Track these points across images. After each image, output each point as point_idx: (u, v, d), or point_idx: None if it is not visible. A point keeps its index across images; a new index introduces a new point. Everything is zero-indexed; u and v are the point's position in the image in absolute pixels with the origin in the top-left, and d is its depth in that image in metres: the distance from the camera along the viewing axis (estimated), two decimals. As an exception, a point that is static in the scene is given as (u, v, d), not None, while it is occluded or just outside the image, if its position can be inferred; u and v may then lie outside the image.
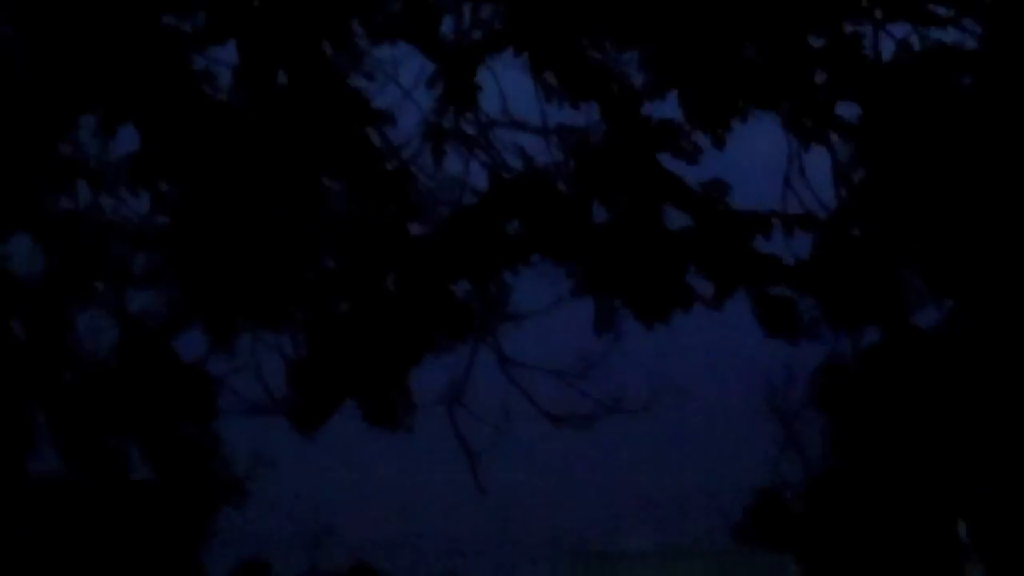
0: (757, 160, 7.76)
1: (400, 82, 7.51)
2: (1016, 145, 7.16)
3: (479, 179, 7.90)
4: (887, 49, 7.55)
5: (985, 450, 7.42)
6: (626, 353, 7.71)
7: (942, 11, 7.26)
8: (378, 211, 7.67)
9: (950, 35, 7.27)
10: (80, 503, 7.71)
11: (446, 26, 7.62)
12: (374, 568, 38.77)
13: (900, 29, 7.36)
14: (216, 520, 31.86)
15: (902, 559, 8.35)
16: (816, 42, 7.49)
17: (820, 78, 7.59)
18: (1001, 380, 7.21)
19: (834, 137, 7.65)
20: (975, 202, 7.15)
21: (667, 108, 7.44)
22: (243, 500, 7.46)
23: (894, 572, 8.46)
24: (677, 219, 7.24)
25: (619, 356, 7.65)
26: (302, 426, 7.54)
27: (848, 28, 7.34)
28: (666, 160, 7.46)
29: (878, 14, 7.37)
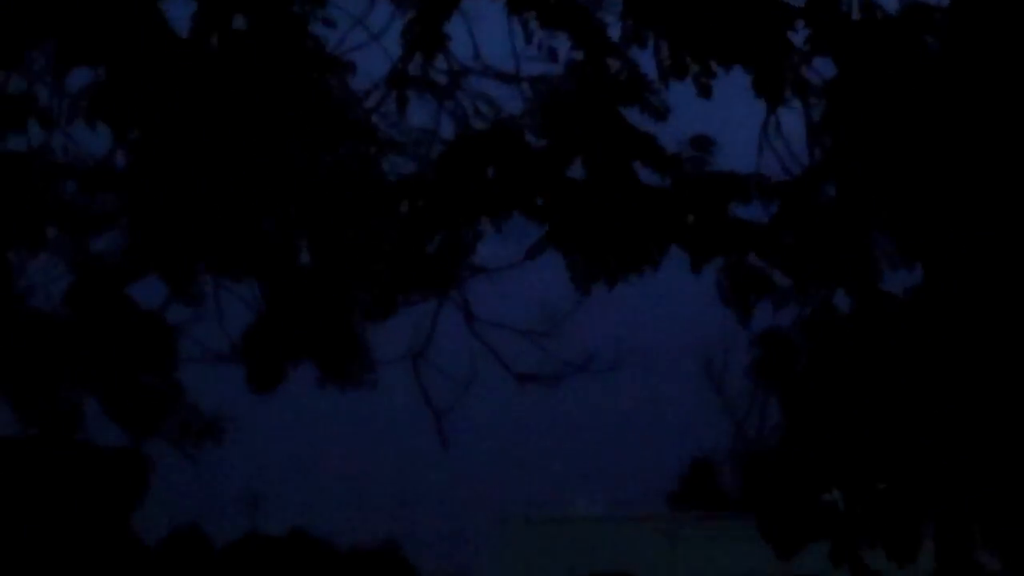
0: (732, 121, 7.58)
1: (370, 27, 7.23)
2: (993, 107, 7.03)
3: (448, 131, 7.65)
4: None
5: (953, 419, 7.28)
6: (589, 313, 7.52)
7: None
8: (337, 160, 7.41)
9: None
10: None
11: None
12: (310, 533, 38.59)
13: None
14: (148, 484, 31.14)
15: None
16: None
17: (795, 36, 7.43)
18: (973, 348, 7.08)
19: (810, 97, 7.47)
20: (950, 163, 7.01)
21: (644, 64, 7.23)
22: (199, 455, 7.16)
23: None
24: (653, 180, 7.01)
25: (583, 315, 7.45)
26: (257, 384, 7.24)
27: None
28: (636, 117, 7.25)
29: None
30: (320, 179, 7.33)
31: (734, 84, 7.34)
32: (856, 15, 7.39)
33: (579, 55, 7.09)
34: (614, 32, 7.23)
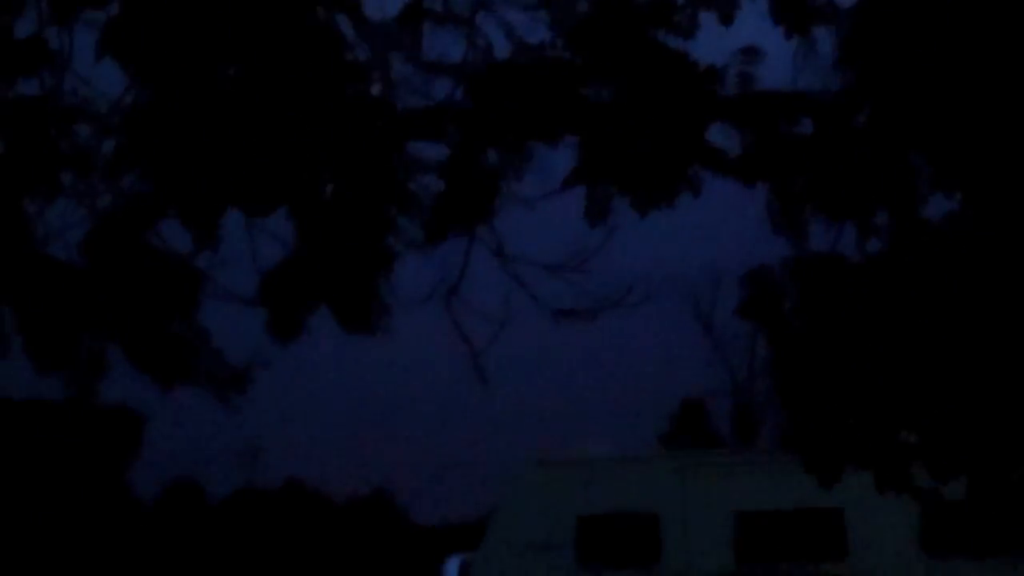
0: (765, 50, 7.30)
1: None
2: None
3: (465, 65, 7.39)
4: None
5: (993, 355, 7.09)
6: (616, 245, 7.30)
7: None
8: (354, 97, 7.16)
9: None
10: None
11: None
12: (306, 485, 38.17)
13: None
14: (142, 441, 30.98)
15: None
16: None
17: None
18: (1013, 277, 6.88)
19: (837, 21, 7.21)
20: (987, 81, 6.77)
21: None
22: (242, 395, 6.90)
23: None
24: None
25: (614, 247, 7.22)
26: (278, 332, 7.01)
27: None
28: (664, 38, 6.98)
29: None
30: (341, 114, 7.08)
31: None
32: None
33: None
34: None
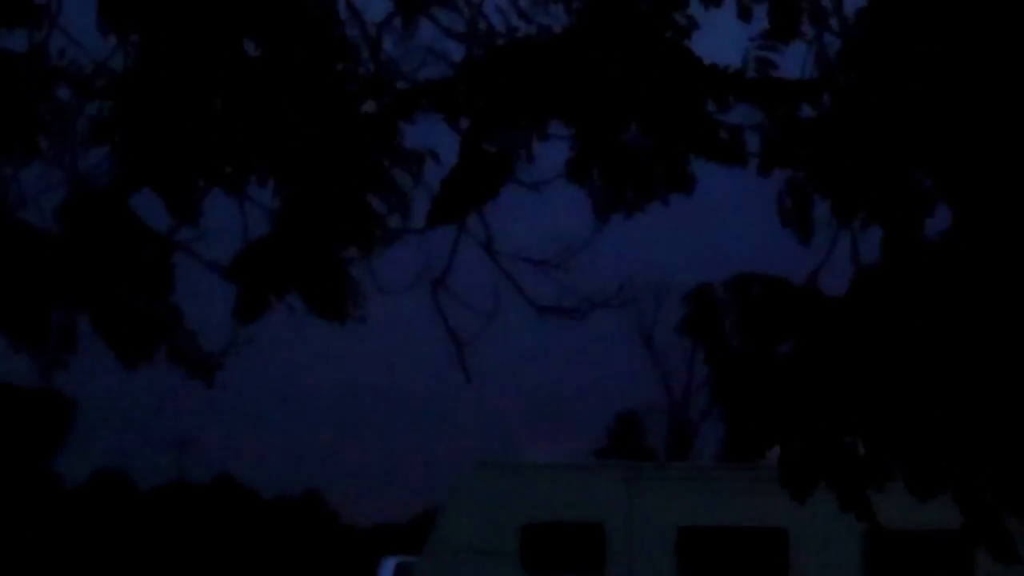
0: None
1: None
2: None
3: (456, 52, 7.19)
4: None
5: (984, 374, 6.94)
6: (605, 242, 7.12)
7: None
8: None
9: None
10: None
11: None
12: (237, 479, 37.66)
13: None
14: (69, 427, 30.49)
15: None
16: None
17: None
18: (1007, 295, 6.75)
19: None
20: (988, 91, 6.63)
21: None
22: (213, 379, 6.62)
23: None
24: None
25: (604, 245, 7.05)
26: (242, 314, 6.75)
27: None
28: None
29: None
30: (328, 94, 6.85)
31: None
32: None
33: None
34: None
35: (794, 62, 6.38)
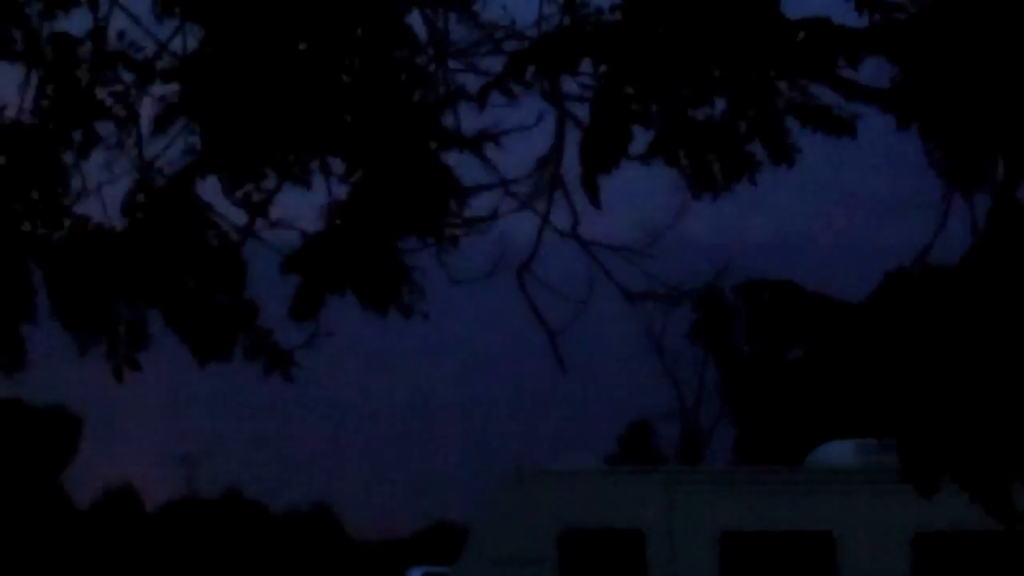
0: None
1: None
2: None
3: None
4: None
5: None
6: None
7: None
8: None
9: None
10: None
11: None
12: (242, 494, 36.98)
13: None
14: (78, 444, 29.80)
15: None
16: None
17: None
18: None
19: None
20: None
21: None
22: (290, 374, 6.16)
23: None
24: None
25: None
26: (297, 311, 6.31)
27: None
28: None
29: None
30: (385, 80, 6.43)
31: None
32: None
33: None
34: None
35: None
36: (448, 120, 6.87)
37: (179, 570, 34.16)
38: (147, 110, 6.01)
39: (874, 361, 7.93)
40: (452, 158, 6.71)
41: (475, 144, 6.72)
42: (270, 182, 6.13)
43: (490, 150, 6.69)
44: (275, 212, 6.11)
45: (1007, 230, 6.42)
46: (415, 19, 7.04)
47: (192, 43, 5.94)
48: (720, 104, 6.16)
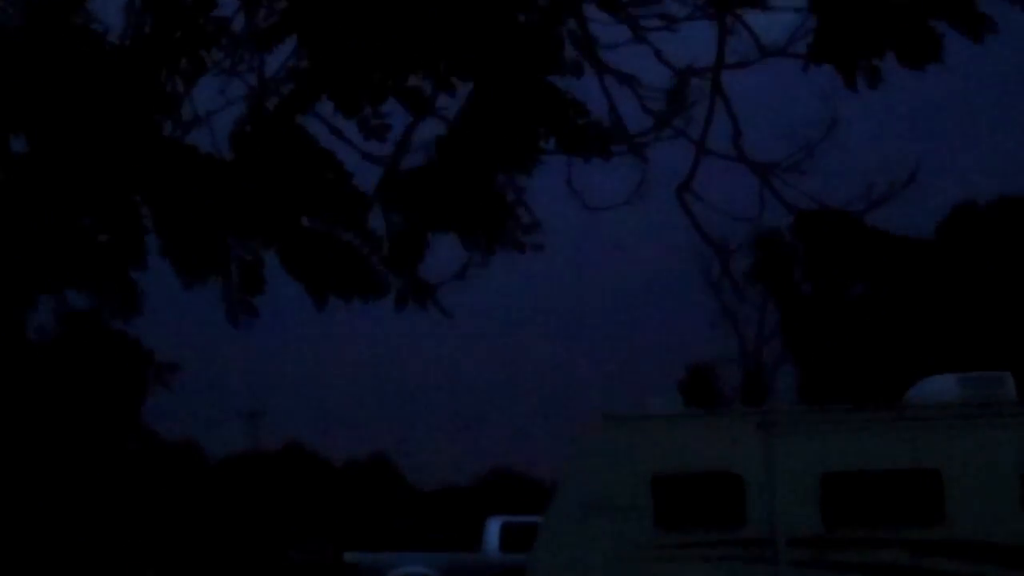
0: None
1: None
2: None
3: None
4: None
5: None
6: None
7: None
8: None
9: None
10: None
11: None
12: (303, 447, 36.39)
13: None
14: (142, 402, 29.50)
15: None
16: None
17: None
18: None
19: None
20: None
21: None
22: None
23: None
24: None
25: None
26: (395, 264, 5.70)
27: None
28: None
29: None
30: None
31: None
32: None
33: None
34: None
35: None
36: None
37: (241, 522, 34.02)
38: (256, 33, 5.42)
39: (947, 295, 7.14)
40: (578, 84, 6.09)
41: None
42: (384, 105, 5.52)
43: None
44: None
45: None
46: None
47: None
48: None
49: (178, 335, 37.19)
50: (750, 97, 5.62)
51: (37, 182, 4.91)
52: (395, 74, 5.47)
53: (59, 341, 26.48)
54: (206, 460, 38.60)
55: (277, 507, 35.52)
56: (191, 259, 5.15)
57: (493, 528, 18.03)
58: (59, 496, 28.31)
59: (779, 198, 5.46)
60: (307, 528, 33.74)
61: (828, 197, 5.57)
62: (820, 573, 12.54)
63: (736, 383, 33.30)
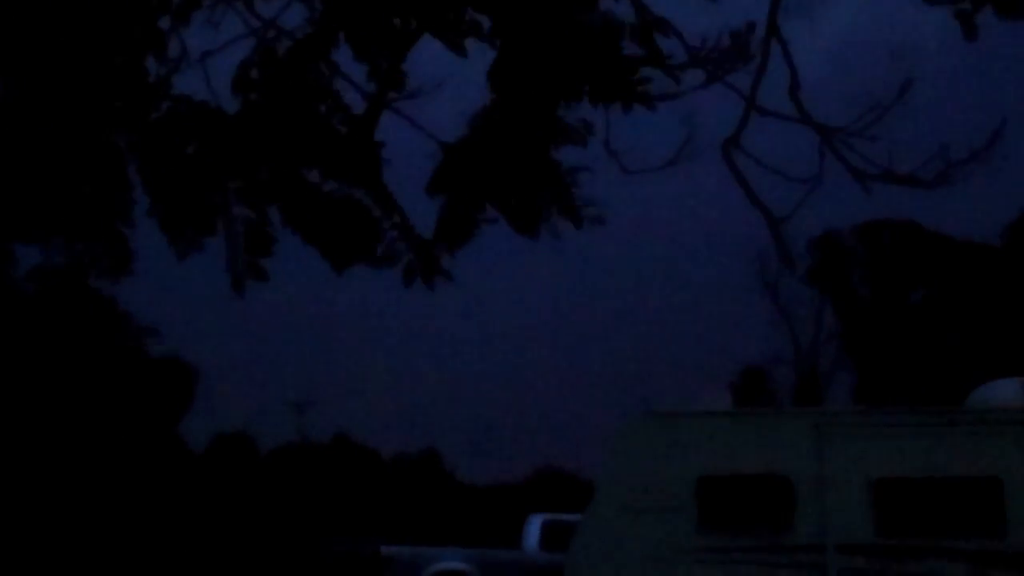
0: None
1: None
2: None
3: None
4: None
5: None
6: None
7: None
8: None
9: None
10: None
11: None
12: (353, 439, 35.92)
13: None
14: (194, 393, 29.19)
15: None
16: None
17: None
18: None
19: None
20: None
21: None
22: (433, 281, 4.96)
23: None
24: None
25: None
26: (448, 240, 5.10)
27: None
28: None
29: None
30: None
31: None
32: None
33: None
34: None
35: None
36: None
37: (290, 513, 33.71)
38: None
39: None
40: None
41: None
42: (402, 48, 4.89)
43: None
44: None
45: None
46: None
47: None
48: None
49: (233, 327, 36.99)
50: (809, 50, 4.94)
51: (9, 122, 4.35)
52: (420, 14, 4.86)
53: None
54: (257, 452, 38.41)
55: (323, 499, 35.19)
56: (180, 219, 4.56)
57: (534, 526, 17.42)
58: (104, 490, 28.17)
59: (844, 162, 4.78)
60: (350, 521, 33.34)
61: (897, 164, 4.90)
62: (871, 583, 11.79)
63: (790, 386, 32.47)
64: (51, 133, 4.36)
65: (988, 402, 12.56)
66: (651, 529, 12.34)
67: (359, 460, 38.55)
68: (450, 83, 5.06)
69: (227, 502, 33.30)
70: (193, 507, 32.36)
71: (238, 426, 35.67)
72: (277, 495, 34.47)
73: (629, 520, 12.42)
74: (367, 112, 4.82)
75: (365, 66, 4.78)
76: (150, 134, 4.60)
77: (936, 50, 4.95)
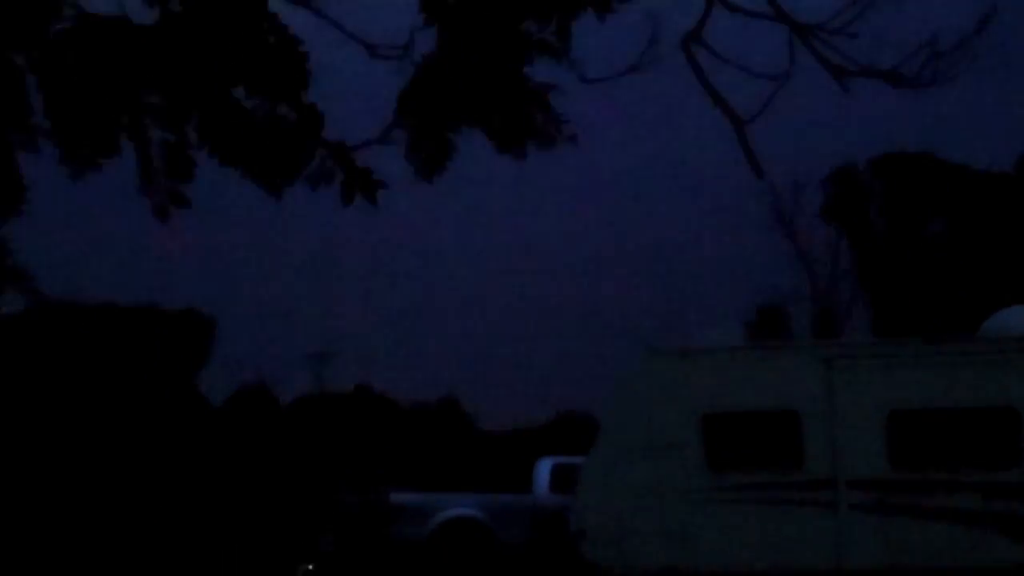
0: None
1: None
2: None
3: None
4: None
5: None
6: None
7: None
8: None
9: None
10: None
11: None
12: (372, 389, 35.67)
13: None
14: (213, 345, 28.75)
15: None
16: None
17: None
18: None
19: None
20: None
21: None
22: (375, 201, 4.48)
23: None
24: None
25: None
26: (420, 164, 4.63)
27: None
28: None
29: None
30: None
31: None
32: None
33: None
34: None
35: None
36: None
37: (311, 463, 33.53)
38: None
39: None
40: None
41: None
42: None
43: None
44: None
45: None
46: None
47: None
48: None
49: (257, 277, 36.71)
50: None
51: None
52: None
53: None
54: (277, 402, 38.30)
55: (342, 449, 35.04)
56: (79, 134, 4.06)
57: (544, 469, 17.02)
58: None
59: (820, 59, 4.25)
60: (366, 470, 33.14)
61: (879, 60, 4.36)
62: (884, 518, 11.33)
63: (806, 322, 31.94)
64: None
65: (1003, 329, 12.02)
66: (656, 470, 11.89)
67: (378, 409, 38.38)
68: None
69: (248, 450, 33.18)
70: (211, 460, 32.22)
71: (258, 378, 35.39)
72: (295, 446, 34.33)
73: (633, 461, 11.96)
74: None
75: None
76: (51, 50, 4.11)
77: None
